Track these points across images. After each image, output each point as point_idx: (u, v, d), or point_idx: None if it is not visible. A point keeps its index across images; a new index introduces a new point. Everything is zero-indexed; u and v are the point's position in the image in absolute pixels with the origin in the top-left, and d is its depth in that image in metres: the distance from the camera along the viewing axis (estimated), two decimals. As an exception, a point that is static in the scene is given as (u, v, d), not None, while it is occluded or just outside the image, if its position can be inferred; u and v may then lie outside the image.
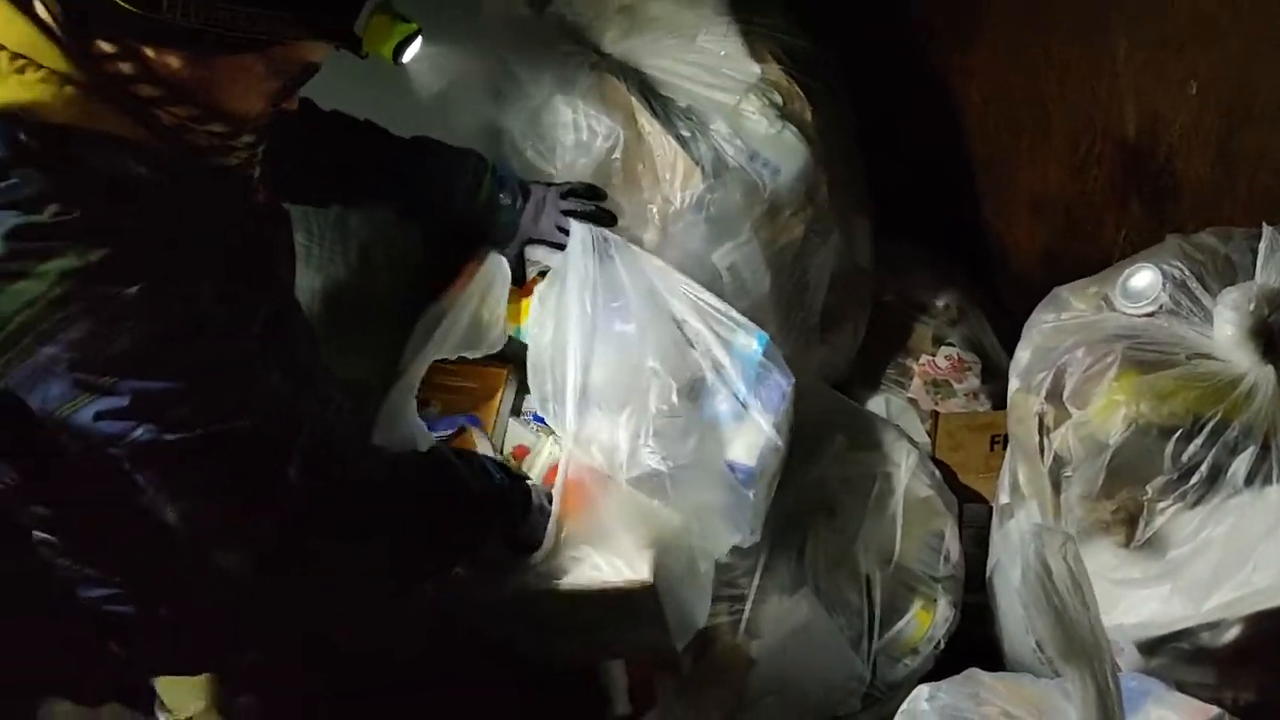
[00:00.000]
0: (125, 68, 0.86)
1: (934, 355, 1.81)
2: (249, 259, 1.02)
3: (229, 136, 0.95)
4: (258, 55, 0.89)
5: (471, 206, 1.36)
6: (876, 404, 1.79)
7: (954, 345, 1.82)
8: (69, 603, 0.95)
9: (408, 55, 1.07)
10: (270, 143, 1.04)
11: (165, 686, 1.34)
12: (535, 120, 1.43)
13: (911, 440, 1.48)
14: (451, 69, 1.43)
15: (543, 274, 1.38)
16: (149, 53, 0.86)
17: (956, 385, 1.79)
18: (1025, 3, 1.58)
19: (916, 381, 1.81)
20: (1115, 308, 1.13)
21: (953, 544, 1.37)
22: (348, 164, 1.33)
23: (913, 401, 1.79)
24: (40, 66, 0.82)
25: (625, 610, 1.18)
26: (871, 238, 1.74)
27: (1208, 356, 1.01)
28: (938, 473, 1.46)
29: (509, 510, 1.14)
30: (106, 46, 0.86)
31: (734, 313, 1.33)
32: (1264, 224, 1.04)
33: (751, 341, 1.31)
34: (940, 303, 1.86)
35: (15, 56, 0.82)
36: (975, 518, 1.50)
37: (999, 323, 1.86)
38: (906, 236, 1.96)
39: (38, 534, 0.92)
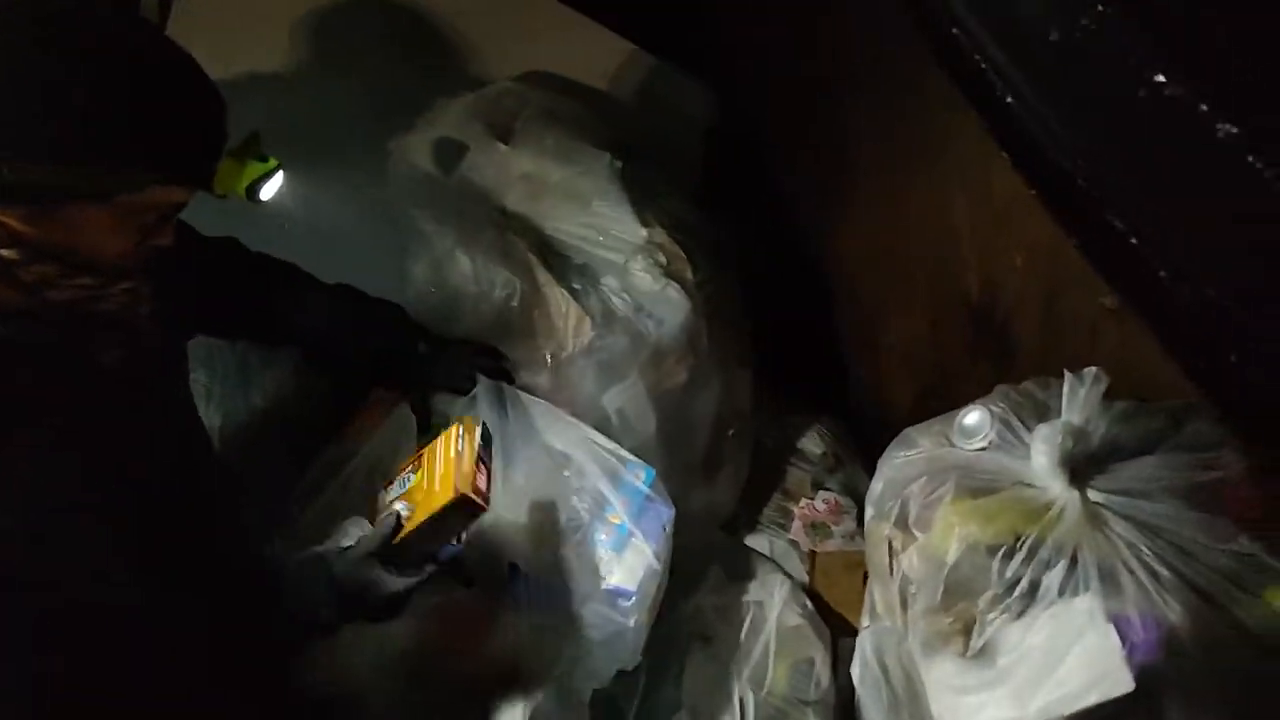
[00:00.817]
0: None
1: (813, 499, 1.93)
2: (130, 402, 1.01)
3: (101, 286, 0.94)
4: (101, 205, 0.88)
5: (387, 354, 1.44)
6: (760, 544, 1.88)
7: (832, 490, 1.95)
8: None
9: (266, 193, 1.06)
10: (167, 280, 1.03)
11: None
12: (439, 269, 1.55)
13: (786, 573, 1.56)
14: (360, 219, 1.56)
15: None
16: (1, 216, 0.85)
17: (834, 527, 1.90)
18: (883, 179, 1.79)
19: (797, 524, 1.91)
20: (954, 444, 1.26)
21: (824, 670, 1.45)
22: (270, 305, 1.38)
23: (794, 543, 1.89)
24: None
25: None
26: (752, 386, 1.89)
27: (1027, 484, 1.14)
28: (810, 604, 1.54)
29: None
30: None
31: (621, 450, 1.42)
32: (1065, 371, 1.20)
33: (640, 474, 1.40)
34: (818, 450, 1.99)
35: None
36: (849, 651, 1.58)
37: (874, 469, 1.99)
38: (789, 387, 2.12)
39: None
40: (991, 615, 1.07)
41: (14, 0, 0.85)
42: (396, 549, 1.13)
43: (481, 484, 1.15)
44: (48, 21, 0.86)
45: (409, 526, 1.14)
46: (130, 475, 0.98)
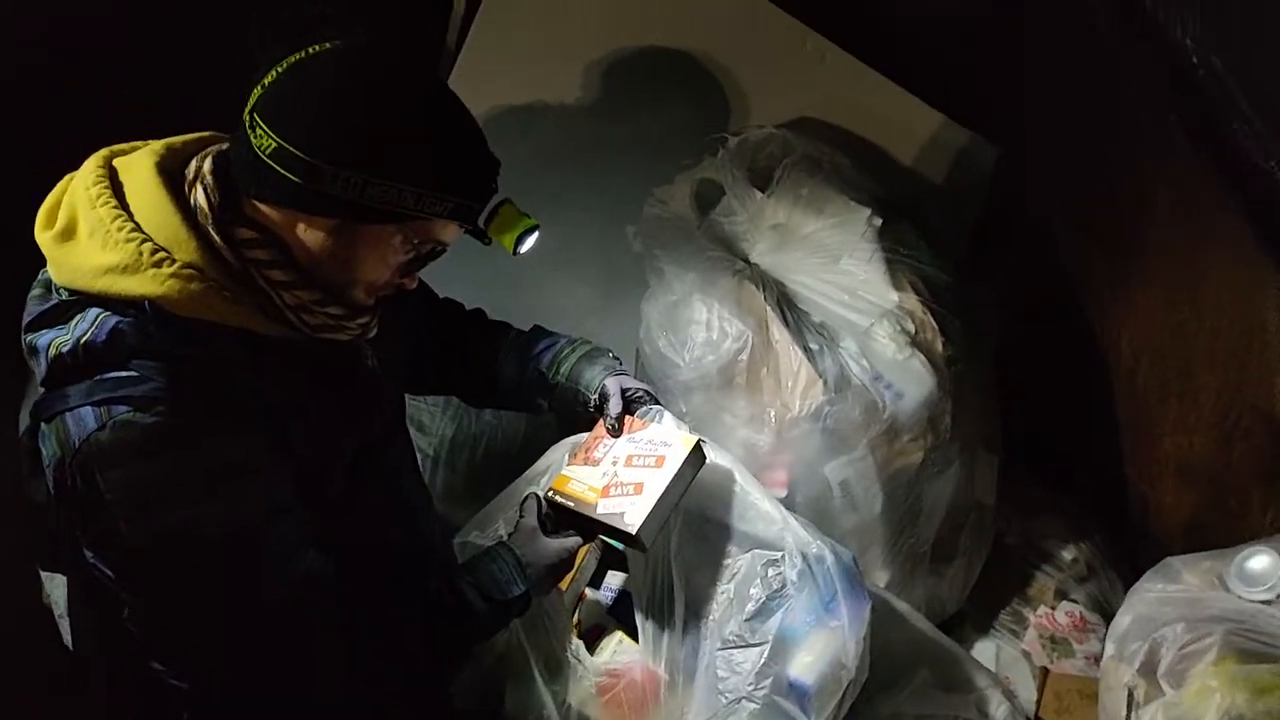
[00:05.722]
0: (261, 254, 0.99)
1: (1054, 609, 1.73)
2: (345, 414, 1.10)
3: (345, 318, 1.05)
4: (397, 226, 1.00)
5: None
6: (986, 650, 1.71)
7: (1078, 602, 1.74)
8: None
9: (525, 246, 1.16)
10: (394, 331, 1.15)
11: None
12: (672, 314, 1.53)
13: (1008, 691, 1.39)
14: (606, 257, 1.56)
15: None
16: (300, 231, 0.99)
17: (1076, 646, 1.69)
18: (1183, 262, 1.58)
19: (1032, 633, 1.72)
20: (1228, 588, 1.07)
21: (1034, 814, 1.27)
22: (482, 368, 1.40)
23: (1026, 654, 1.70)
24: (174, 260, 0.95)
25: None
26: (997, 475, 1.71)
27: (1319, 658, 0.94)
28: (1031, 733, 1.37)
29: (508, 618, 1.16)
30: (248, 233, 0.98)
31: (815, 530, 1.31)
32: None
33: (836, 558, 1.28)
34: (1068, 555, 1.78)
35: (156, 249, 0.95)
36: (1072, 794, 1.39)
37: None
38: (1042, 482, 1.91)
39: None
40: (1249, 809, 0.89)
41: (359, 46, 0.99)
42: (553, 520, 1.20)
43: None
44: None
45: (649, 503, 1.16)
46: (328, 492, 1.07)
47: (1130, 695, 1.04)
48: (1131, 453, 1.82)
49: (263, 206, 0.99)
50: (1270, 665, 0.94)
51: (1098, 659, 1.67)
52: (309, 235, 0.99)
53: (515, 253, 1.16)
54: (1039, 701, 1.57)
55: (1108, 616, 1.72)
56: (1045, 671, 1.62)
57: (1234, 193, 1.38)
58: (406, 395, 1.35)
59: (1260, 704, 0.91)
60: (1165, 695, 0.99)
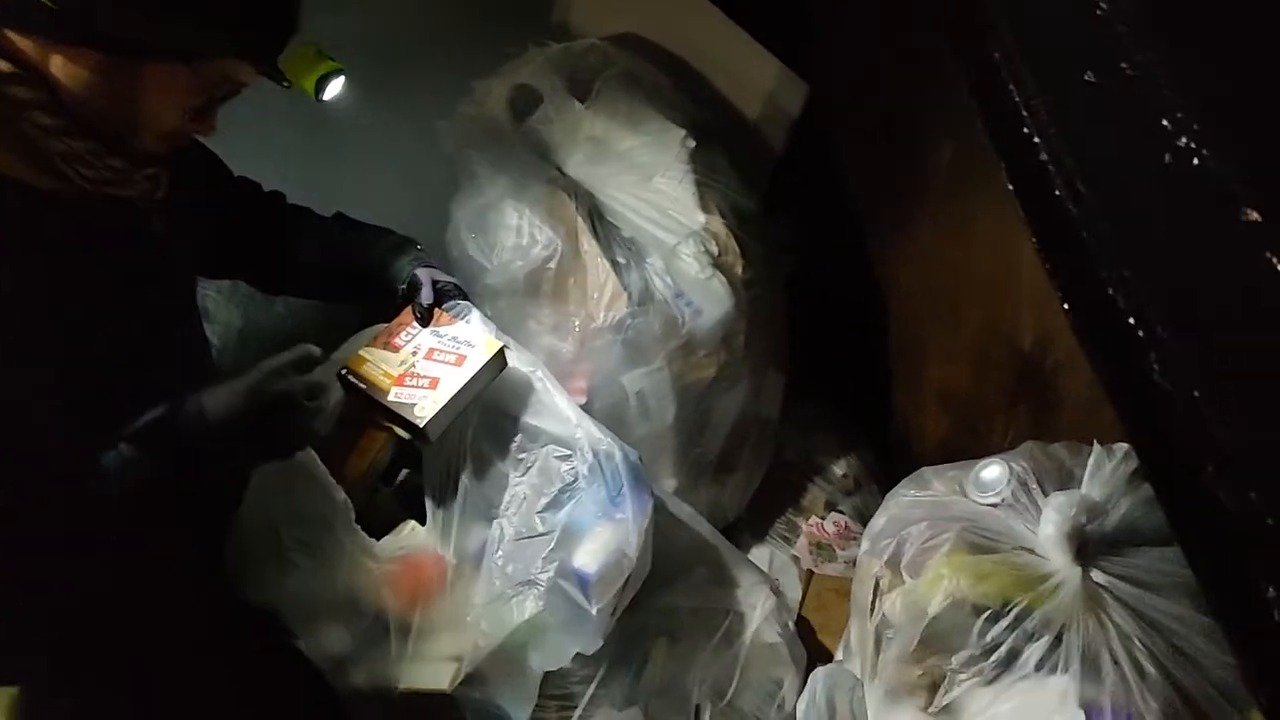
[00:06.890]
0: (21, 92, 0.86)
1: (823, 519, 1.88)
2: (127, 279, 1.02)
3: (130, 170, 0.95)
4: (184, 65, 0.90)
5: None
6: (761, 555, 1.85)
7: (844, 513, 1.89)
8: None
9: (329, 93, 1.11)
10: (187, 208, 1.07)
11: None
12: (482, 216, 1.53)
13: (775, 589, 1.52)
14: (416, 152, 1.54)
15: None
16: (57, 67, 0.86)
17: (839, 551, 1.85)
18: (959, 206, 1.72)
19: (802, 540, 1.87)
20: (966, 494, 1.21)
21: (790, 694, 1.40)
22: (278, 251, 1.34)
23: (795, 559, 1.85)
24: None
25: (424, 712, 1.20)
26: (782, 395, 1.84)
27: (1029, 550, 1.09)
28: (791, 625, 1.50)
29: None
30: (3, 66, 0.85)
31: (606, 430, 1.36)
32: (1095, 441, 1.13)
33: (624, 456, 1.34)
34: (840, 471, 1.94)
35: None
36: (824, 679, 1.54)
37: (892, 501, 1.94)
38: (822, 402, 2.06)
39: None
40: (963, 676, 1.02)
41: None
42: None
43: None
44: None
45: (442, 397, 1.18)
46: (109, 364, 0.99)
47: (877, 584, 1.17)
48: (901, 379, 1.99)
49: (13, 35, 0.86)
50: (991, 556, 1.08)
51: (854, 563, 1.85)
52: (71, 72, 0.87)
53: (318, 99, 1.09)
54: (802, 600, 1.72)
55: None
56: (810, 574, 1.77)
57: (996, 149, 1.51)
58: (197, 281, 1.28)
59: (980, 587, 1.04)
60: (905, 583, 1.12)
